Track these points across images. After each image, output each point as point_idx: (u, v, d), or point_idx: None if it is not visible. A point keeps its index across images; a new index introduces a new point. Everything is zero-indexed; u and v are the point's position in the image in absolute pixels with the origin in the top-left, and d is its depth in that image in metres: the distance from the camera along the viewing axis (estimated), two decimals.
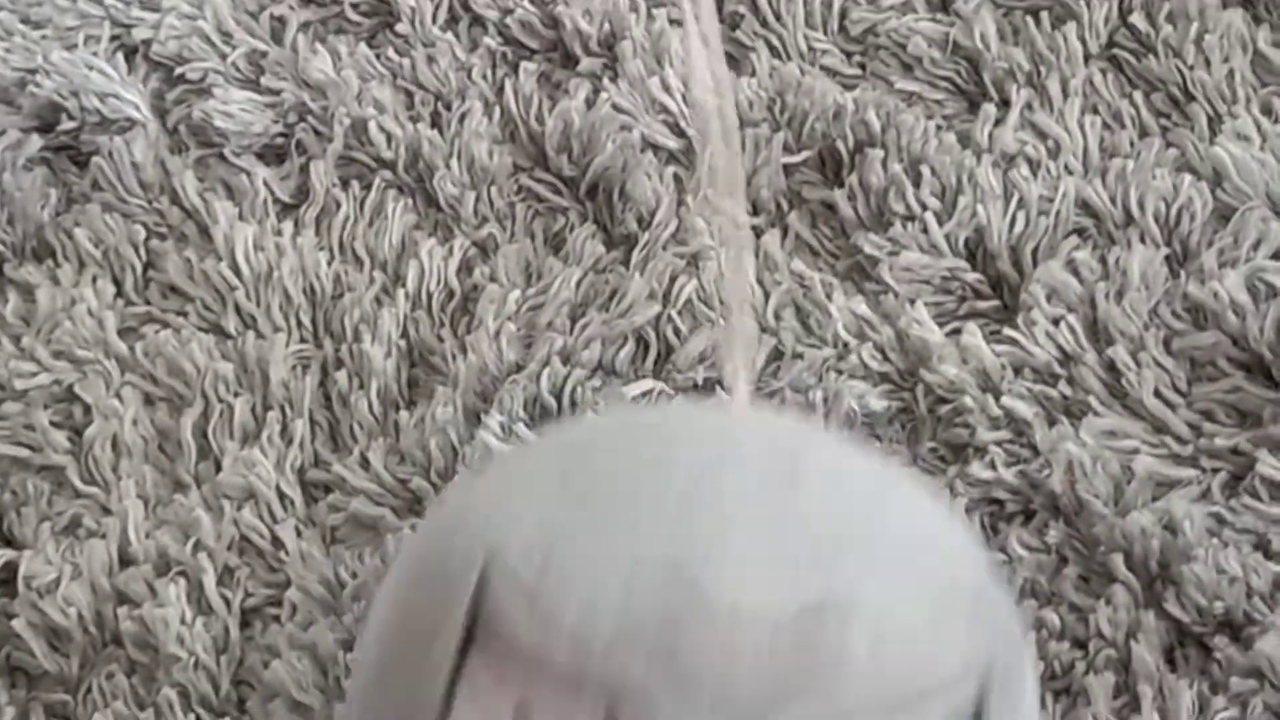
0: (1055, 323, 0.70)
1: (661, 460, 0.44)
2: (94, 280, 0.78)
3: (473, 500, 0.46)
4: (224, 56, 0.84)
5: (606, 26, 0.81)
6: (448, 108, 0.81)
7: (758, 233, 0.75)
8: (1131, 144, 0.75)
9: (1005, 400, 0.68)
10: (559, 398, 0.70)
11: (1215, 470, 0.66)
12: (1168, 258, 0.71)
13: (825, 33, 0.81)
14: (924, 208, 0.74)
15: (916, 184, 0.74)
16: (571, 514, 0.43)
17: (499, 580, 0.42)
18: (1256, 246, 0.71)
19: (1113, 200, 0.73)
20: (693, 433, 0.46)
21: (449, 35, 0.83)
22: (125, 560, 0.70)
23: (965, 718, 0.42)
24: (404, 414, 0.72)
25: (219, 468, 0.72)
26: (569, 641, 0.41)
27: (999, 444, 0.68)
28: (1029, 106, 0.77)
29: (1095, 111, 0.77)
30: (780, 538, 0.42)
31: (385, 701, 0.44)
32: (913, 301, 0.72)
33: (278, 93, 0.82)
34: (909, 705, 0.41)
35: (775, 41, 0.81)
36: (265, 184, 0.80)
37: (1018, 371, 0.69)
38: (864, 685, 0.40)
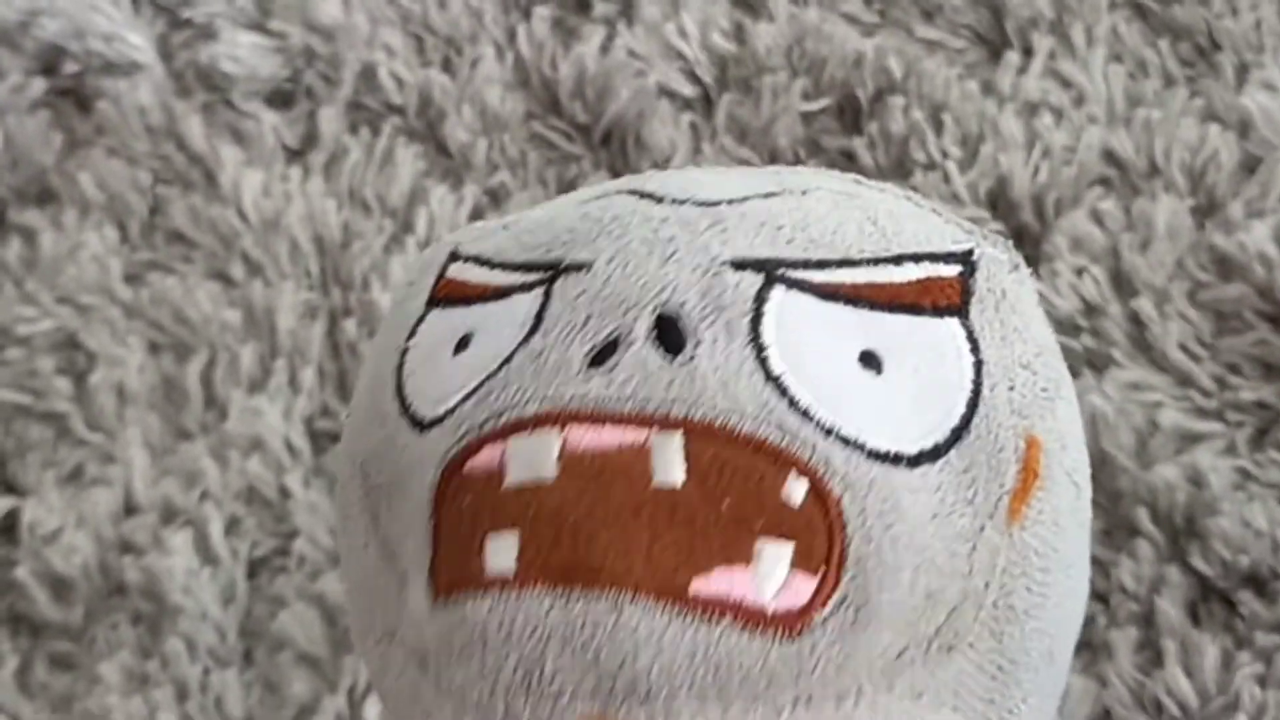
0: (1079, 274, 0.69)
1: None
2: (98, 225, 0.77)
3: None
4: None
5: None
6: (459, 53, 0.80)
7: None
8: (1156, 93, 0.74)
9: None
10: None
11: (1240, 424, 0.65)
12: (1193, 208, 0.70)
13: None
14: (945, 156, 0.73)
15: (938, 132, 0.73)
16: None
17: (460, 251, 0.42)
18: None
19: (1137, 150, 0.72)
20: None
21: None
22: (130, 509, 0.69)
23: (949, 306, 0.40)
24: None
25: (225, 416, 0.71)
26: (513, 257, 0.41)
27: None
28: (1052, 54, 0.76)
29: (1119, 60, 0.75)
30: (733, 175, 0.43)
31: (358, 398, 0.44)
32: None
33: (285, 36, 0.81)
34: (880, 264, 0.40)
35: None
36: (273, 129, 0.79)
37: None
38: (821, 240, 0.40)
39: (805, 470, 0.37)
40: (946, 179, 0.72)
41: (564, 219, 0.41)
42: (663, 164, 0.75)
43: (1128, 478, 0.63)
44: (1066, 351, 0.66)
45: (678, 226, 0.39)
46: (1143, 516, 0.63)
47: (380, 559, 0.41)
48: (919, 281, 0.40)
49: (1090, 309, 0.68)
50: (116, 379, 0.72)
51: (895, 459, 0.38)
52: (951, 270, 0.40)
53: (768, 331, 0.38)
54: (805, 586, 0.37)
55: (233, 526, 0.68)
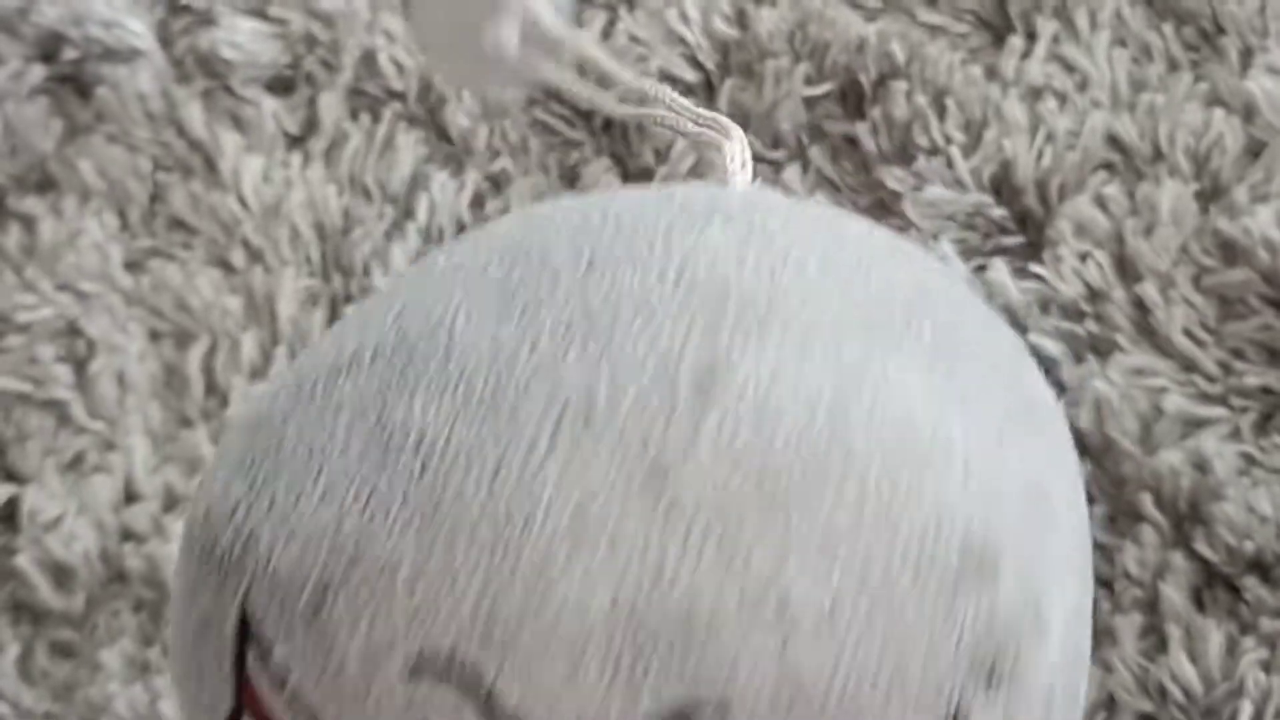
0: (1082, 259, 0.69)
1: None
2: (98, 212, 0.77)
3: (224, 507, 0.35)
4: None
5: None
6: None
7: (777, 167, 0.74)
8: (1160, 78, 0.74)
9: (1031, 337, 0.67)
10: None
11: (1245, 409, 0.65)
12: (1198, 193, 0.70)
13: None
14: (948, 141, 0.72)
15: (941, 117, 0.73)
16: (345, 538, 0.31)
17: (259, 639, 0.32)
18: None
19: (1141, 135, 0.72)
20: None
21: None
22: (131, 496, 0.69)
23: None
24: None
25: (226, 403, 0.71)
26: None
27: None
28: (1056, 39, 0.75)
29: (1124, 44, 0.75)
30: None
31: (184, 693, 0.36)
32: (937, 237, 0.70)
33: (286, 22, 0.81)
34: None
35: None
36: (273, 116, 0.79)
37: (1044, 309, 0.68)
38: None
39: None
40: (950, 164, 0.72)
41: (394, 711, 0.30)
42: (664, 151, 0.74)
43: (1131, 463, 0.63)
44: (1071, 336, 0.66)
45: None
46: (1147, 502, 0.62)
47: None
48: None
49: (1094, 294, 0.68)
50: (117, 366, 0.72)
51: None
52: None
53: None
54: None
55: None
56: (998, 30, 0.77)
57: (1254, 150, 0.71)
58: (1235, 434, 0.64)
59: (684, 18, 0.78)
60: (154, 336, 0.73)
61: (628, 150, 0.75)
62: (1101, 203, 0.70)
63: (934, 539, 0.31)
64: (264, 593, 0.32)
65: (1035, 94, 0.74)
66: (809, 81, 0.76)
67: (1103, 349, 0.67)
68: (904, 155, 0.73)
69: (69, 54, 0.81)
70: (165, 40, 0.82)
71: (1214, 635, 0.59)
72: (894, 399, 0.32)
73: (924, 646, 0.30)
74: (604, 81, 0.77)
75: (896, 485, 0.31)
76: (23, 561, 0.67)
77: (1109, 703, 0.59)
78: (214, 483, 0.34)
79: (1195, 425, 0.65)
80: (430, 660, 0.30)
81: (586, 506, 0.29)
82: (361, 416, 0.32)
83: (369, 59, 0.79)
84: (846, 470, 0.31)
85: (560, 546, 0.29)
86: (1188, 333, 0.67)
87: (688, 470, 0.30)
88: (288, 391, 0.33)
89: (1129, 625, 0.60)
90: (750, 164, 0.39)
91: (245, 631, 0.32)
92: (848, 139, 0.75)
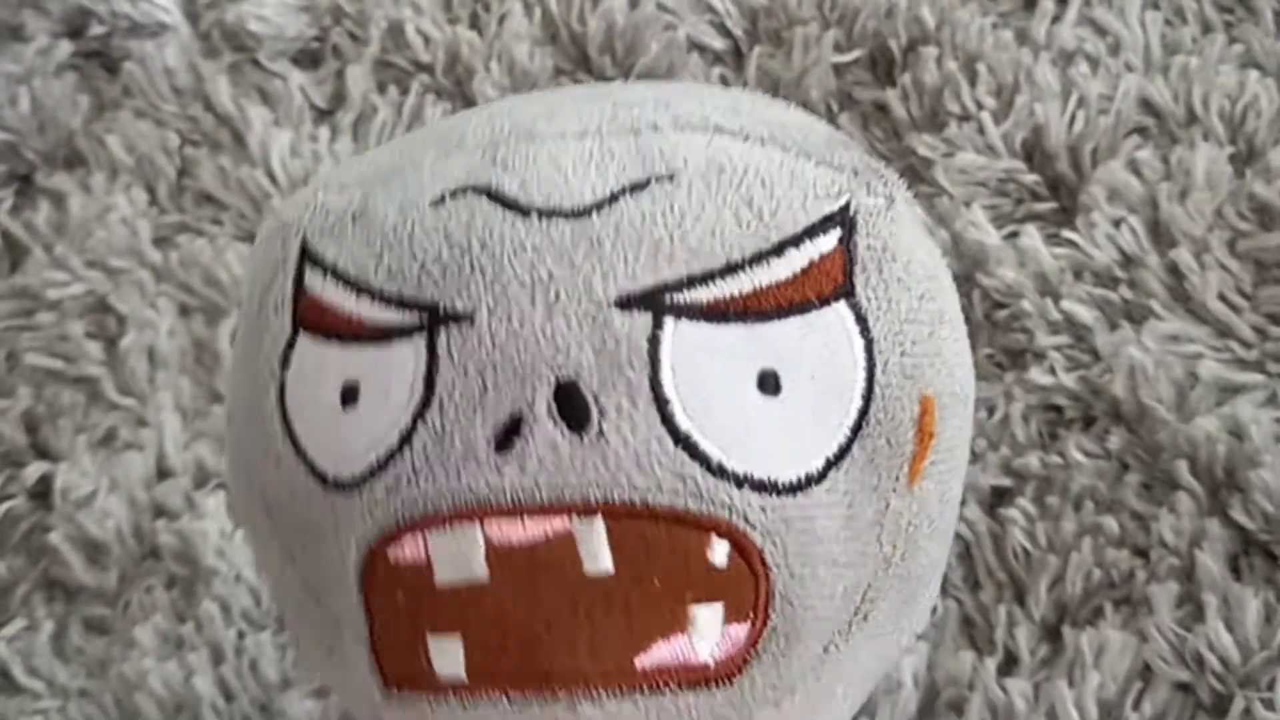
0: (1116, 224, 0.68)
1: (484, 110, 0.44)
2: (127, 188, 0.77)
3: (287, 203, 0.44)
4: None
5: None
6: (487, 9, 0.79)
7: None
8: (1194, 40, 0.73)
9: (1065, 304, 0.66)
10: None
11: None
12: (1232, 156, 0.69)
13: None
14: (980, 107, 0.72)
15: (972, 83, 0.72)
16: (382, 168, 0.42)
17: (314, 252, 0.41)
18: None
19: (1175, 98, 0.71)
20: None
21: None
22: (163, 473, 0.69)
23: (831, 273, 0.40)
24: None
25: None
26: (380, 285, 0.39)
27: (1058, 349, 0.66)
28: (1087, 2, 0.75)
29: (1156, 7, 0.74)
30: (596, 124, 0.41)
31: (237, 407, 0.43)
32: (969, 204, 0.70)
33: None
34: (762, 261, 0.39)
35: None
36: (300, 89, 0.79)
37: (1077, 275, 0.67)
38: (702, 249, 0.39)
39: (726, 531, 0.38)
40: (981, 130, 0.71)
41: (422, 233, 0.39)
42: None
43: (1167, 431, 0.63)
44: (1105, 303, 0.66)
45: (553, 260, 0.38)
46: (1183, 469, 0.62)
47: (305, 594, 0.41)
48: (803, 272, 0.39)
49: (1128, 260, 0.67)
50: (147, 342, 0.72)
51: (805, 483, 0.39)
52: (831, 241, 0.39)
53: (667, 383, 0.38)
54: (738, 633, 0.38)
55: None
56: None
57: None
58: (1272, 400, 0.64)
59: None
60: (184, 312, 0.73)
61: None
62: (1135, 168, 0.70)
63: (809, 124, 0.43)
64: (318, 219, 0.41)
65: (1067, 58, 0.73)
66: (838, 48, 0.75)
67: (1137, 315, 0.66)
68: (935, 122, 0.72)
69: (96, 29, 0.81)
70: (192, 14, 0.82)
71: (1251, 603, 0.59)
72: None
73: (815, 162, 0.41)
74: (633, 47, 0.77)
75: (776, 107, 0.45)
76: (56, 539, 0.67)
77: (1145, 671, 0.59)
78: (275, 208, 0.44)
79: (1231, 391, 0.64)
80: (450, 191, 0.39)
81: (555, 107, 0.42)
82: (381, 150, 0.43)
83: (396, 31, 0.79)
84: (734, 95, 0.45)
85: (540, 120, 0.41)
86: (1223, 298, 0.66)
87: (625, 93, 0.43)
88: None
89: (1165, 594, 0.60)
90: None
91: (304, 259, 0.41)
92: (878, 106, 0.74)
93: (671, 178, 0.39)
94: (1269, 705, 0.57)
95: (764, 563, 0.38)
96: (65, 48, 0.81)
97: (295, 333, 0.41)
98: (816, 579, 0.39)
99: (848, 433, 0.39)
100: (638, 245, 0.38)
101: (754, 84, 0.75)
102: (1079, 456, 0.63)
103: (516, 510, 0.37)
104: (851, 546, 0.39)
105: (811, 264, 0.39)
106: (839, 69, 0.75)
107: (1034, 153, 0.71)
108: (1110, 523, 0.62)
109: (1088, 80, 0.72)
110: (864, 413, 0.39)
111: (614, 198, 0.39)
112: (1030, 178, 0.70)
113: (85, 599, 0.67)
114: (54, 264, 0.75)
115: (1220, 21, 0.74)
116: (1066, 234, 0.68)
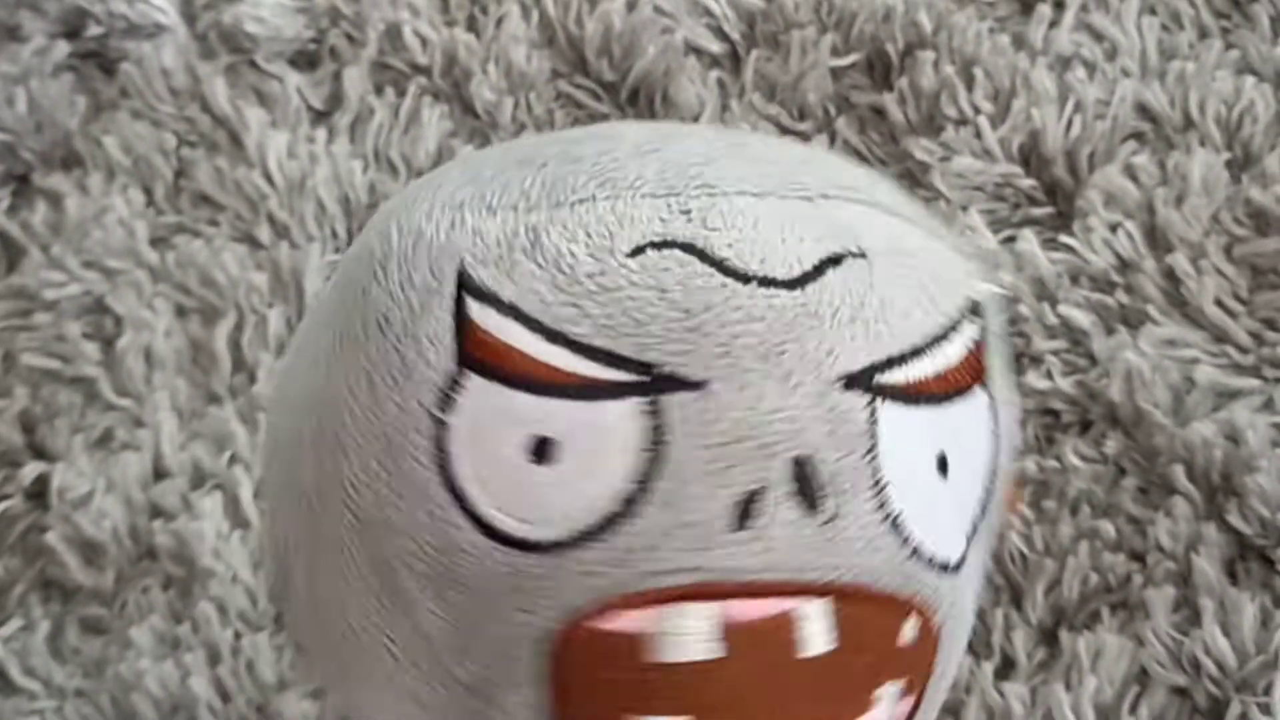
0: (1113, 229, 0.68)
1: (609, 132, 0.43)
2: (124, 189, 0.77)
3: (417, 215, 0.40)
4: None
5: None
6: (484, 11, 0.79)
7: (804, 139, 0.73)
8: (1191, 45, 0.73)
9: (1062, 309, 0.66)
10: None
11: (1278, 379, 0.65)
12: (1229, 162, 0.69)
13: None
14: (977, 111, 0.72)
15: (969, 87, 0.72)
16: (529, 191, 0.39)
17: (481, 285, 0.38)
18: None
19: (1171, 103, 0.71)
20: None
21: None
22: (159, 473, 0.69)
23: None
24: None
25: (253, 379, 0.70)
26: (587, 337, 0.37)
27: (1055, 353, 0.66)
28: (1084, 7, 0.75)
29: (1153, 12, 0.74)
30: (768, 186, 0.40)
31: (355, 437, 0.39)
32: (965, 208, 0.70)
33: None
34: (939, 344, 0.39)
35: None
36: (297, 91, 0.79)
37: (1074, 279, 0.68)
38: (899, 331, 0.39)
39: (920, 611, 0.38)
40: (978, 134, 0.71)
41: (631, 287, 0.37)
42: (690, 122, 0.74)
43: (1164, 435, 0.63)
44: (1102, 308, 0.66)
45: (783, 332, 0.37)
46: (1179, 474, 0.62)
47: (418, 640, 0.39)
48: (966, 356, 0.40)
49: (1125, 265, 0.68)
50: (144, 343, 0.72)
51: (960, 563, 0.40)
52: (976, 327, 0.40)
53: (885, 466, 0.38)
54: (905, 707, 0.39)
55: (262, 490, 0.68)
56: None
57: None
58: (1268, 404, 0.64)
59: None
60: (180, 313, 0.73)
61: (652, 121, 0.75)
62: (1131, 172, 0.70)
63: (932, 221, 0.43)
64: (473, 245, 0.38)
65: (1064, 63, 0.73)
66: (835, 52, 0.75)
67: (1134, 320, 0.66)
68: (932, 126, 0.72)
69: (93, 30, 0.81)
70: (189, 15, 0.82)
71: (1247, 608, 0.59)
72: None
73: (955, 251, 0.41)
74: (630, 50, 0.77)
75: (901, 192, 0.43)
76: (52, 539, 0.67)
77: (1142, 675, 0.59)
78: (396, 220, 0.39)
79: (1227, 396, 0.64)
80: (650, 242, 0.37)
81: (706, 155, 0.40)
82: (494, 161, 0.41)
83: (393, 32, 0.79)
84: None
85: (699, 173, 0.39)
86: (1219, 303, 0.66)
87: (764, 147, 0.44)
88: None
89: (1162, 598, 0.60)
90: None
91: (463, 291, 0.38)
92: (875, 109, 0.74)
93: (864, 255, 0.39)
94: (1265, 710, 0.57)
95: (939, 641, 0.39)
96: (62, 48, 0.81)
97: (462, 371, 0.38)
98: (956, 651, 0.40)
99: (978, 513, 0.40)
100: (852, 323, 0.38)
101: (751, 88, 0.75)
102: (1076, 461, 0.63)
103: (751, 590, 0.37)
104: (971, 621, 0.41)
105: (969, 350, 0.40)
106: (836, 73, 0.75)
107: (1031, 157, 0.71)
108: (1107, 527, 0.62)
109: (1084, 85, 0.72)
110: (989, 494, 0.41)
111: (819, 269, 0.38)
112: (1027, 182, 0.70)
113: (82, 599, 0.67)
114: (51, 264, 0.75)
115: (1217, 27, 0.74)
116: (1063, 239, 0.69)
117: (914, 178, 0.71)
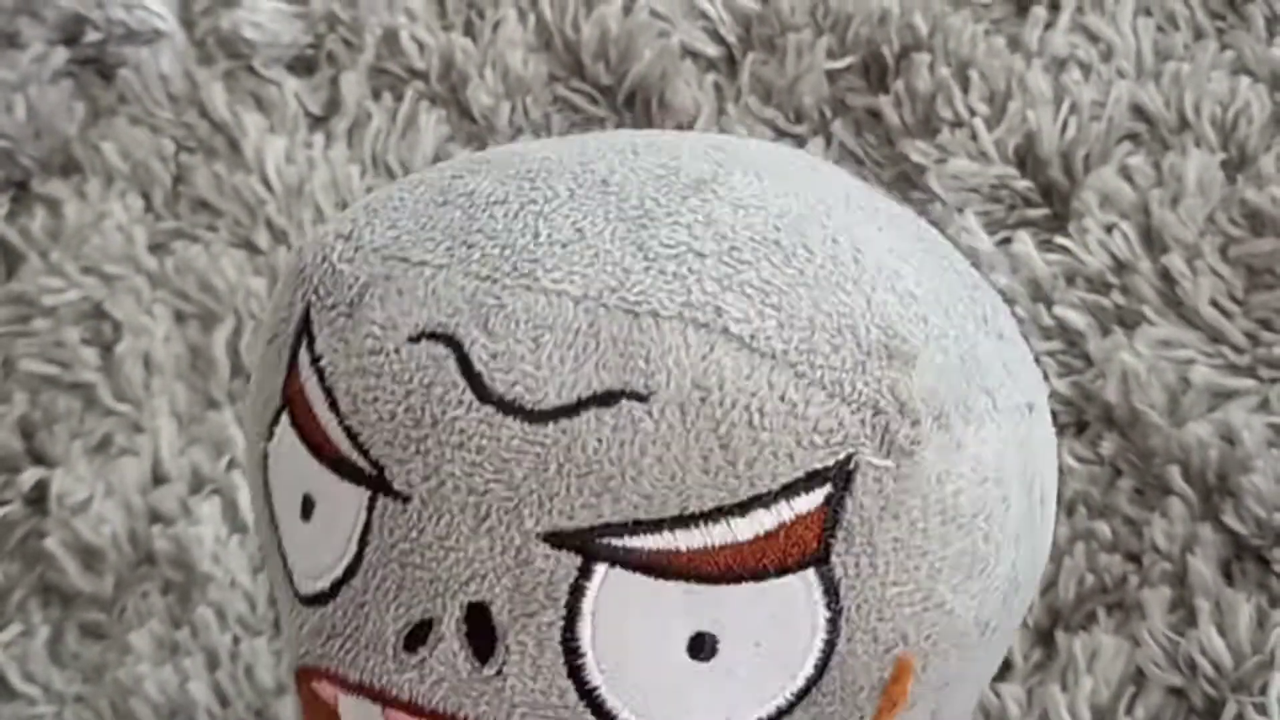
0: (1108, 230, 0.68)
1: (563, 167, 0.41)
2: (122, 195, 0.77)
3: (311, 242, 0.42)
4: None
5: None
6: (481, 15, 0.79)
7: (800, 142, 0.73)
8: (1186, 46, 0.73)
9: (1057, 310, 0.67)
10: None
11: (1273, 380, 0.65)
12: (1224, 163, 0.70)
13: None
14: (972, 113, 0.72)
15: (965, 89, 0.73)
16: (401, 235, 0.39)
17: (311, 332, 0.39)
18: None
19: (1167, 104, 0.71)
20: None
21: None
22: (158, 478, 0.69)
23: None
24: None
25: None
26: (346, 416, 0.38)
27: (1051, 354, 0.66)
28: (1080, 9, 0.75)
29: (1148, 13, 0.74)
30: (603, 287, 0.37)
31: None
32: (961, 210, 0.70)
33: (307, 2, 0.81)
34: (722, 518, 0.35)
35: None
36: (295, 96, 0.79)
37: (1070, 281, 0.68)
38: (656, 492, 0.35)
39: None
40: (974, 136, 0.71)
41: (390, 377, 0.37)
42: (687, 125, 0.74)
43: (1159, 436, 0.63)
44: (1097, 309, 0.66)
45: (493, 470, 0.36)
46: (1175, 475, 0.62)
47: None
48: (767, 536, 0.35)
49: (1120, 266, 0.68)
50: (143, 348, 0.72)
51: None
52: (813, 501, 0.35)
53: (584, 634, 0.36)
54: None
55: None
56: (1021, 0, 0.76)
57: None
58: (1264, 405, 0.64)
59: None
60: (179, 318, 0.73)
61: (649, 125, 0.75)
62: (1127, 173, 0.70)
63: (860, 319, 0.36)
64: (324, 288, 0.39)
65: (1059, 65, 0.73)
66: (831, 55, 0.75)
67: (1129, 321, 0.66)
68: (927, 128, 0.73)
69: (91, 36, 0.81)
70: (187, 21, 0.82)
71: (1243, 608, 0.59)
72: (847, 230, 0.39)
73: (828, 393, 0.35)
74: (627, 54, 0.77)
75: (840, 277, 0.37)
76: (51, 544, 0.67)
77: (1138, 676, 0.59)
78: (316, 233, 0.41)
79: (1223, 397, 0.64)
80: (430, 331, 0.37)
81: (582, 232, 0.37)
82: (432, 187, 0.40)
83: (390, 38, 0.79)
84: (798, 250, 0.37)
85: (551, 257, 0.37)
86: (1215, 303, 0.66)
87: (666, 226, 0.38)
88: (389, 186, 0.42)
89: (1157, 599, 0.60)
90: None
91: (304, 333, 0.39)
92: (871, 112, 0.74)
93: (645, 399, 0.35)
94: (1261, 710, 0.57)
95: None
96: (61, 55, 0.81)
97: (282, 407, 0.39)
98: None
99: (789, 697, 0.37)
100: (584, 475, 0.35)
101: (747, 91, 0.75)
102: (1072, 462, 0.63)
103: (414, 709, 0.37)
104: None
105: (781, 527, 0.35)
106: (832, 75, 0.75)
107: (1026, 159, 0.71)
108: (1103, 528, 0.62)
109: (1080, 86, 0.72)
110: (814, 681, 0.37)
111: (579, 407, 0.35)
112: (1023, 184, 0.70)
113: (81, 604, 0.67)
114: (50, 270, 0.75)
115: (1212, 28, 0.74)
116: (1059, 240, 0.69)
117: (910, 180, 0.72)
